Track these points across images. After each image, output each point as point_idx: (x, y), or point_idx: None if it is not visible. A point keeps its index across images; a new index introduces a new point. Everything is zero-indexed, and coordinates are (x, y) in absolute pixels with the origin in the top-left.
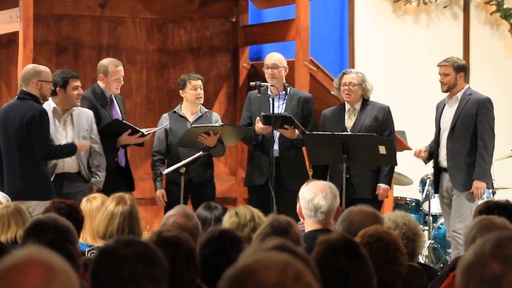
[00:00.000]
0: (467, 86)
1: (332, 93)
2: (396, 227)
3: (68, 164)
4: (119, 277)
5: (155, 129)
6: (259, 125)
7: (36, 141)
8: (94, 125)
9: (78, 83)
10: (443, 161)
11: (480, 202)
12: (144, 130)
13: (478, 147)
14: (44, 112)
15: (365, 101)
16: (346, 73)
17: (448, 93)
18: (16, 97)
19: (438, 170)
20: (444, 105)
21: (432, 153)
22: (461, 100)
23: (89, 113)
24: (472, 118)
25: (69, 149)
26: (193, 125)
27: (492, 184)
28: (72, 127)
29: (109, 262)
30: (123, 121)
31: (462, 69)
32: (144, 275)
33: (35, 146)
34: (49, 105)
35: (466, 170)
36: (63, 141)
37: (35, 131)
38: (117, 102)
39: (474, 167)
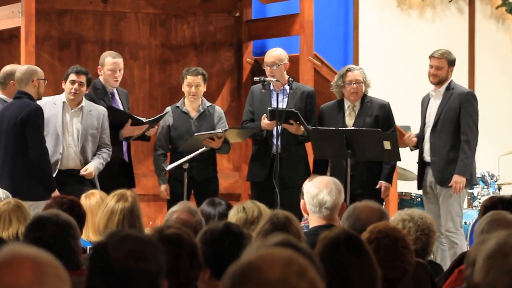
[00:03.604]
0: (451, 79)
1: (331, 89)
2: (411, 220)
3: (72, 162)
4: (111, 276)
5: (155, 117)
6: (265, 121)
7: (32, 142)
8: (106, 124)
9: (75, 77)
10: (427, 156)
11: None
12: (143, 119)
13: (461, 142)
14: (39, 110)
15: (364, 98)
16: (350, 70)
17: (435, 85)
18: (13, 97)
19: (423, 165)
20: (429, 99)
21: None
22: (444, 94)
23: (101, 110)
24: (455, 112)
25: (51, 181)
26: (195, 134)
27: (476, 179)
28: (81, 124)
29: (100, 262)
30: (117, 108)
31: (454, 63)
32: (136, 272)
33: (31, 146)
34: (61, 98)
35: (450, 166)
36: (69, 137)
37: (30, 130)
38: (120, 97)
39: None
